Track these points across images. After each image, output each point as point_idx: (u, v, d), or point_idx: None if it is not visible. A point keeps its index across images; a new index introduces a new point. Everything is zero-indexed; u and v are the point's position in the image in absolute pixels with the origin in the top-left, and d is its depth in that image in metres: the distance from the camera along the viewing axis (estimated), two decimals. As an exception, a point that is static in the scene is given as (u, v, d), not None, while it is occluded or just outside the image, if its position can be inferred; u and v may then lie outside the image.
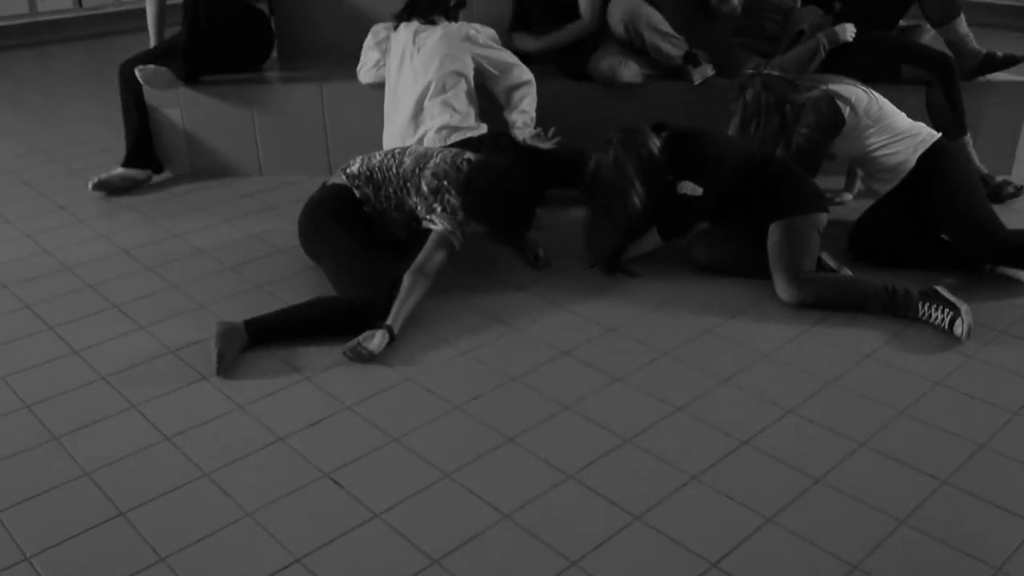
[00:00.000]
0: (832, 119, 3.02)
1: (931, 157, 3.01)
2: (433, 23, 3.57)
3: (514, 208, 2.94)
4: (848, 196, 3.66)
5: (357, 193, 2.98)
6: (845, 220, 3.30)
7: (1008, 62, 3.71)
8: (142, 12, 4.04)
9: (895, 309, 2.79)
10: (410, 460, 2.17)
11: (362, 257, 2.86)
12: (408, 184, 2.95)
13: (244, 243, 3.42)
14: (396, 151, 3.07)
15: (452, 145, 3.29)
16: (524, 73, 3.60)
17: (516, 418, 2.33)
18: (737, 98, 3.13)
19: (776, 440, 2.24)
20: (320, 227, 2.98)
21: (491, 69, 3.57)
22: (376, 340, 2.64)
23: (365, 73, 3.84)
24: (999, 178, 3.72)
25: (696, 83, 3.75)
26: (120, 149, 4.02)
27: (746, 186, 2.97)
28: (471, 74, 3.53)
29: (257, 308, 2.82)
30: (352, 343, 2.63)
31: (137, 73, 3.76)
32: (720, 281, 3.05)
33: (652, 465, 2.15)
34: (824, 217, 2.96)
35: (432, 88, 3.43)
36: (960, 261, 3.06)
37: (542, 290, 3.03)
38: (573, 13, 3.83)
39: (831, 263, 3.02)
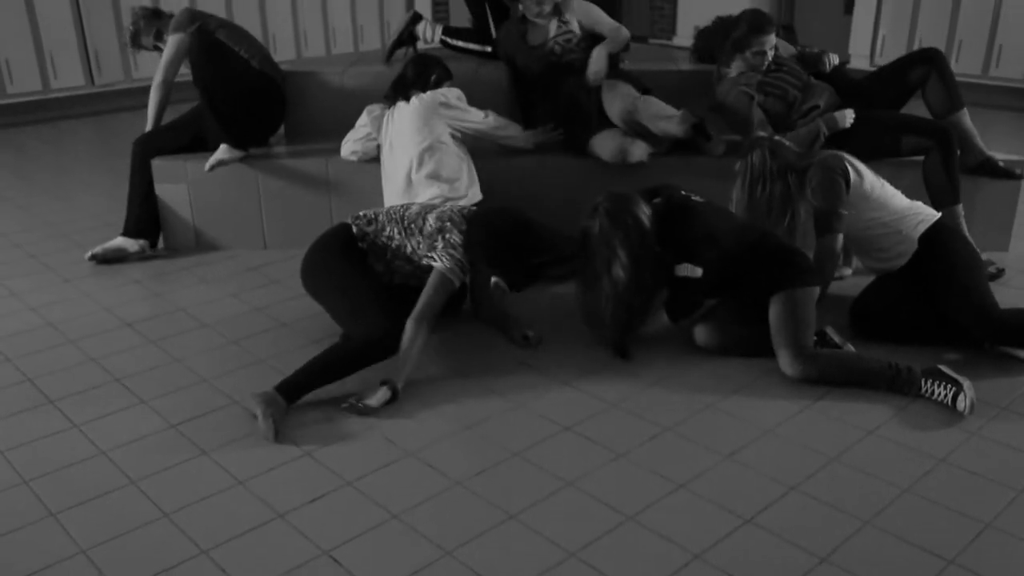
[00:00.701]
0: (839, 169, 3.06)
1: (931, 237, 3.04)
2: (408, 99, 3.65)
3: (516, 249, 2.91)
4: (848, 271, 3.68)
5: (354, 229, 3.02)
6: (847, 295, 3.32)
7: (1006, 174, 3.78)
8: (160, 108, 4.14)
9: (898, 387, 2.78)
10: (410, 538, 2.15)
11: (367, 291, 2.91)
12: (412, 225, 2.98)
13: (247, 317, 3.43)
14: (405, 203, 3.16)
15: None
16: (500, 129, 3.78)
17: (518, 494, 2.31)
18: (743, 160, 3.15)
19: (780, 518, 2.21)
20: (320, 263, 3.05)
21: (469, 133, 3.69)
22: (378, 396, 2.69)
23: (348, 145, 3.91)
24: (984, 257, 3.73)
25: (719, 154, 3.81)
26: (123, 222, 4.06)
27: (743, 261, 2.96)
28: (450, 139, 3.60)
29: (260, 382, 2.82)
30: (352, 398, 2.67)
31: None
32: (720, 357, 3.05)
33: (655, 543, 2.12)
34: (818, 290, 2.97)
35: (414, 164, 3.51)
36: (961, 337, 3.07)
37: (542, 365, 3.03)
38: (573, 103, 3.91)
39: (835, 338, 3.02)
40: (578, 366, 3.01)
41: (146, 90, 4.16)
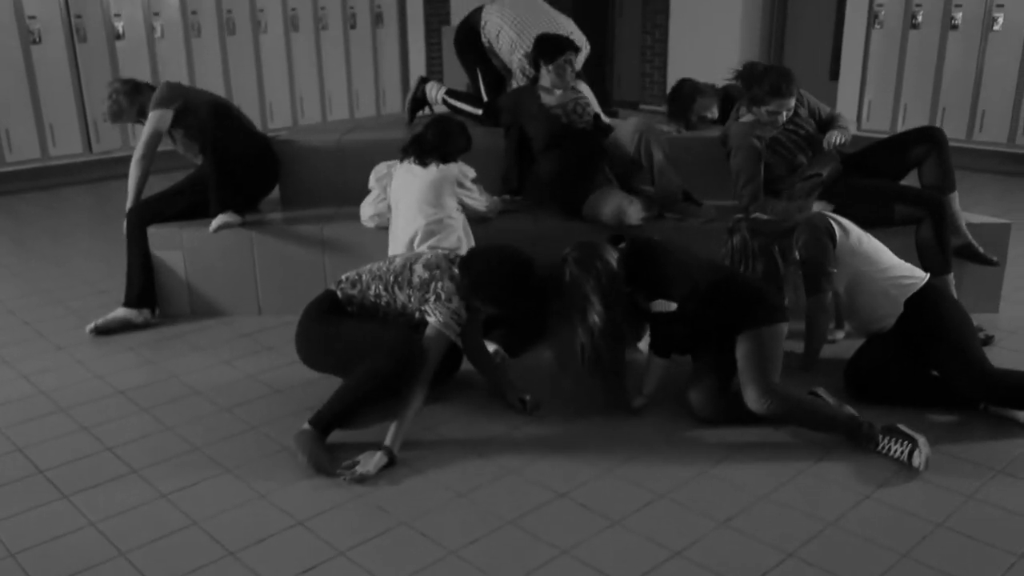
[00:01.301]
0: (825, 229, 3.12)
1: (920, 298, 3.07)
2: (425, 165, 3.68)
3: (516, 280, 2.92)
4: (840, 334, 3.69)
5: (339, 294, 3.03)
6: (841, 358, 3.33)
7: (985, 260, 3.81)
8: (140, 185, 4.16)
9: (857, 439, 2.82)
10: (403, 609, 2.12)
11: (372, 330, 2.93)
12: (399, 278, 2.97)
13: (241, 384, 3.42)
14: (388, 259, 3.15)
15: None
16: (489, 209, 3.88)
17: (512, 564, 2.29)
18: (726, 243, 3.21)
19: (777, 586, 2.19)
20: (313, 332, 3.05)
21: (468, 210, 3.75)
22: (374, 462, 2.70)
23: (365, 209, 3.94)
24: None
25: (710, 218, 3.85)
26: (121, 289, 4.08)
27: (713, 300, 2.98)
28: (457, 215, 3.64)
29: (252, 450, 2.80)
30: (348, 464, 2.69)
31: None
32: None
33: (651, 614, 2.09)
34: (785, 328, 2.98)
35: (420, 235, 3.53)
36: (955, 400, 3.07)
37: (536, 431, 3.02)
38: (575, 144, 3.99)
39: (829, 399, 3.02)
40: (572, 431, 3.00)
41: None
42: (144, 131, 4.07)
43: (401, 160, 3.75)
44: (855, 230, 3.20)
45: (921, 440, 2.72)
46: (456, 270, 2.93)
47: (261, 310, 4.14)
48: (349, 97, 8.54)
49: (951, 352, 2.99)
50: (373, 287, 3.01)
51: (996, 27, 6.82)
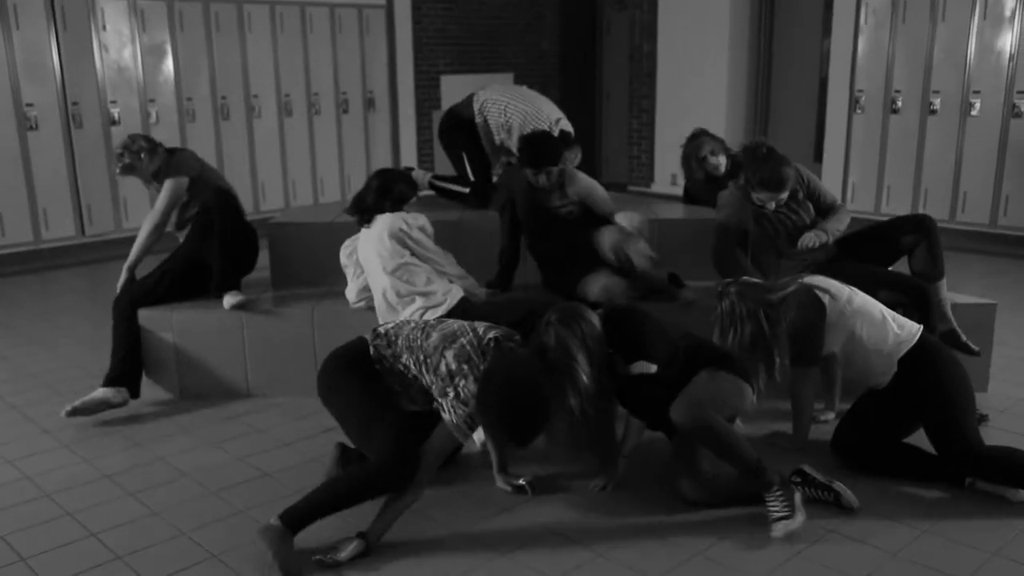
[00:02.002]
0: (814, 307, 3.13)
1: (917, 356, 3.09)
2: (370, 223, 3.72)
3: (526, 421, 2.73)
4: (831, 415, 3.68)
5: (372, 351, 2.93)
6: (828, 439, 3.32)
7: (967, 349, 3.81)
8: (147, 248, 4.20)
9: (756, 482, 2.86)
10: None
11: (382, 413, 2.82)
12: (429, 360, 2.85)
13: (228, 467, 3.39)
14: (428, 324, 3.02)
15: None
16: (459, 279, 3.77)
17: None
18: (716, 308, 3.19)
19: (775, 673, 2.14)
20: (337, 377, 2.95)
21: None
22: (348, 551, 2.65)
23: (349, 292, 3.98)
24: None
25: (689, 301, 3.88)
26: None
27: (695, 360, 3.01)
28: (412, 255, 3.62)
29: (240, 535, 2.75)
30: (323, 555, 2.65)
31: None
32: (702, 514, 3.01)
33: None
34: (749, 393, 3.00)
35: (387, 289, 3.57)
36: (942, 473, 3.06)
37: (528, 510, 2.99)
38: (562, 229, 4.01)
39: (818, 477, 3.00)
40: (564, 511, 2.97)
41: (135, 240, 4.22)
42: (163, 197, 4.14)
43: (358, 226, 3.81)
44: (843, 292, 3.19)
45: (799, 518, 2.78)
46: (481, 383, 2.77)
47: (250, 392, 4.12)
48: (341, 180, 8.66)
49: (944, 421, 3.01)
50: (404, 356, 2.90)
51: (973, 112, 7.01)
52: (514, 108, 4.55)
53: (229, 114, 7.88)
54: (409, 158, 9.04)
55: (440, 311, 3.50)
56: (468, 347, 2.84)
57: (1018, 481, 2.98)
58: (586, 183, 4.08)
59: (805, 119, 8.73)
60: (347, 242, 3.94)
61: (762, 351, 3.08)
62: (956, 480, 3.06)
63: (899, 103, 7.43)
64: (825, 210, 4.00)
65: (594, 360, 2.87)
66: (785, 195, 3.83)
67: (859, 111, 7.69)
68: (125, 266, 4.20)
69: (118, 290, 4.16)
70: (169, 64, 7.47)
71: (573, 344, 2.84)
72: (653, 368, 2.97)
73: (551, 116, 4.55)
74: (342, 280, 4.07)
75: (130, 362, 4.03)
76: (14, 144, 6.77)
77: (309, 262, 4.48)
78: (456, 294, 3.60)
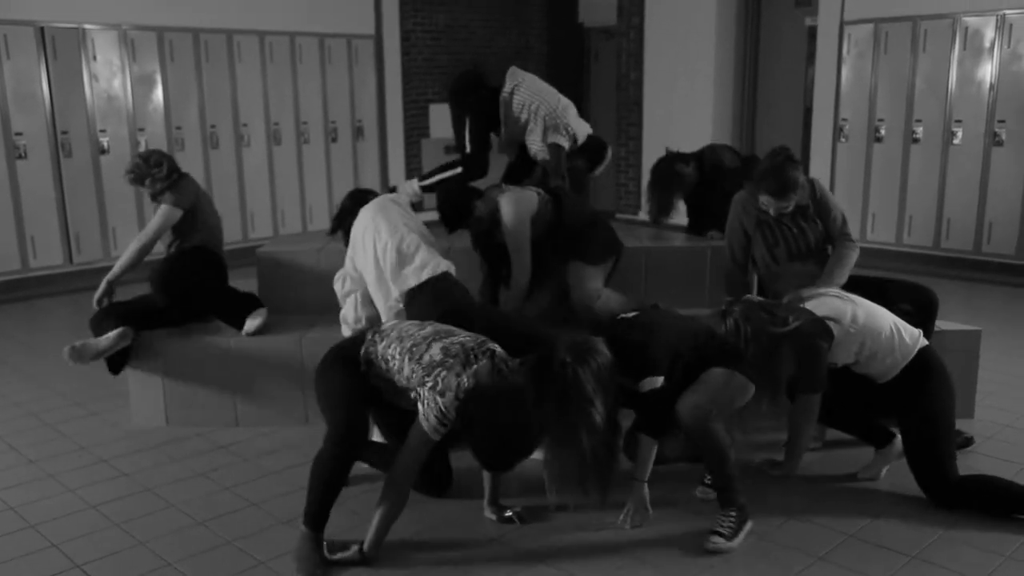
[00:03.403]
0: (820, 334, 3.09)
1: (915, 365, 3.13)
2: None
3: (500, 446, 2.69)
4: (818, 444, 3.68)
5: (362, 349, 2.94)
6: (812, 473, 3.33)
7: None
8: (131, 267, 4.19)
9: (721, 497, 2.98)
10: None
11: (344, 391, 2.86)
12: (416, 348, 2.83)
13: (216, 497, 3.37)
14: (429, 323, 3.03)
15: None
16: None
17: None
18: (719, 325, 3.14)
19: None
20: (322, 371, 3.00)
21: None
22: (345, 553, 2.77)
23: (345, 314, 3.86)
24: None
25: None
26: (97, 402, 4.03)
27: (702, 358, 3.01)
28: (404, 224, 3.61)
29: (227, 565, 2.73)
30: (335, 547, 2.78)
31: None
32: (702, 528, 3.01)
33: None
34: (751, 391, 3.04)
35: (390, 250, 3.52)
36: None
37: (517, 540, 2.98)
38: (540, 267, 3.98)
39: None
40: (555, 542, 2.97)
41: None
42: (155, 221, 4.18)
43: (344, 243, 3.84)
44: (847, 313, 3.14)
45: (735, 544, 2.88)
46: (467, 377, 2.72)
47: (239, 422, 4.10)
48: (329, 208, 8.67)
49: (922, 440, 3.10)
50: (393, 347, 2.87)
51: (956, 141, 7.10)
52: (542, 114, 4.57)
53: (218, 143, 7.90)
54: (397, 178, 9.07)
55: (441, 267, 3.49)
56: (458, 345, 2.81)
57: (995, 509, 3.04)
58: (506, 226, 3.86)
59: (792, 147, 8.80)
60: (339, 272, 3.94)
61: (765, 375, 3.05)
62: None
63: (882, 132, 7.52)
64: (833, 235, 3.84)
65: (608, 397, 2.82)
66: (788, 205, 3.72)
67: (843, 140, 7.78)
68: (106, 279, 4.17)
69: (95, 302, 4.14)
70: (159, 93, 7.51)
71: (588, 385, 2.76)
72: (660, 381, 2.94)
73: (578, 131, 4.65)
74: (331, 308, 4.06)
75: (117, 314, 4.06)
76: (3, 173, 6.77)
77: (298, 290, 4.48)
78: (448, 264, 3.57)
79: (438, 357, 2.76)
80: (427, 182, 4.76)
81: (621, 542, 2.96)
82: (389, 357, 2.86)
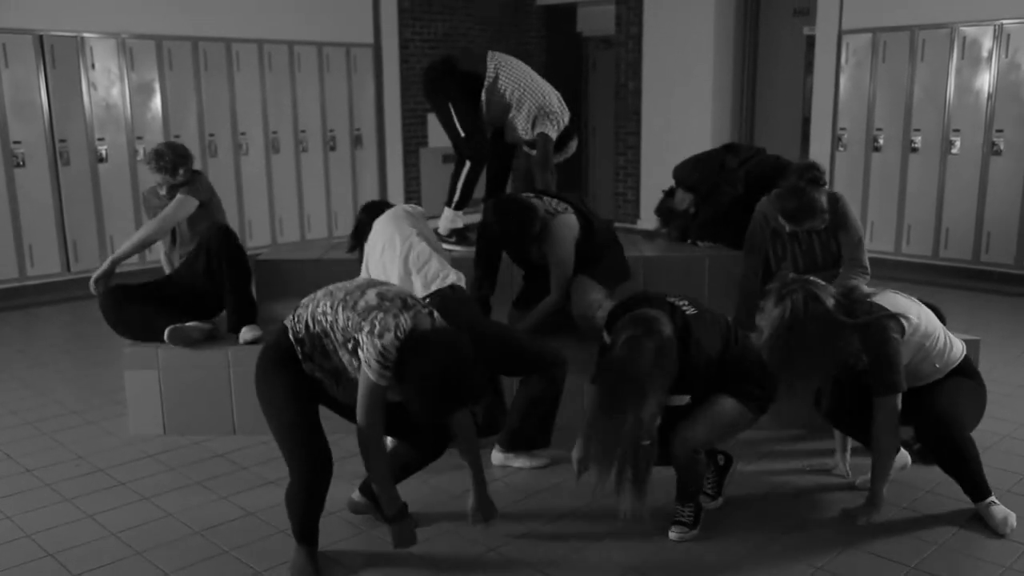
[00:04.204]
0: (896, 328, 2.91)
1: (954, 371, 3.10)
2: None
3: (439, 399, 2.57)
4: (832, 462, 3.58)
5: (291, 335, 2.76)
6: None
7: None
8: (129, 275, 4.25)
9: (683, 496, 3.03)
10: None
11: (299, 427, 2.72)
12: (349, 297, 2.69)
13: (213, 506, 3.35)
14: (358, 278, 2.99)
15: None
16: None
17: None
18: (775, 304, 2.88)
19: None
20: (261, 380, 2.82)
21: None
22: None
23: None
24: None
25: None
26: (93, 409, 4.01)
27: (721, 377, 2.96)
28: (418, 234, 3.63)
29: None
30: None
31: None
32: (693, 544, 3.00)
33: None
34: (752, 420, 3.03)
35: (411, 255, 3.55)
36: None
37: (511, 552, 2.97)
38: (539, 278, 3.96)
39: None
40: (544, 553, 2.95)
41: (121, 275, 4.21)
42: (172, 207, 4.20)
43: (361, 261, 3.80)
44: (912, 311, 3.01)
45: (695, 532, 3.00)
46: (406, 317, 2.59)
47: (236, 430, 4.09)
48: (328, 217, 8.68)
49: (946, 397, 3.02)
50: (322, 305, 2.72)
51: (954, 150, 7.11)
52: (528, 98, 4.54)
53: (217, 151, 7.90)
54: (396, 195, 9.07)
55: (451, 278, 3.50)
56: (393, 292, 2.71)
57: (963, 483, 3.05)
58: (556, 254, 3.84)
59: (789, 157, 8.78)
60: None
61: (818, 371, 2.90)
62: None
63: (881, 141, 7.53)
64: (844, 256, 3.76)
65: (665, 382, 2.74)
66: (802, 227, 3.72)
67: (842, 149, 7.79)
68: (111, 258, 4.22)
69: (92, 281, 4.16)
70: (157, 102, 7.51)
71: (645, 363, 2.68)
72: (687, 400, 2.91)
73: (563, 118, 4.62)
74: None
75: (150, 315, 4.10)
76: (1, 181, 6.76)
77: (296, 299, 4.44)
78: (457, 275, 3.56)
79: (374, 301, 2.64)
80: (456, 199, 4.60)
81: (619, 554, 2.94)
82: (320, 315, 2.71)
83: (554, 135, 4.58)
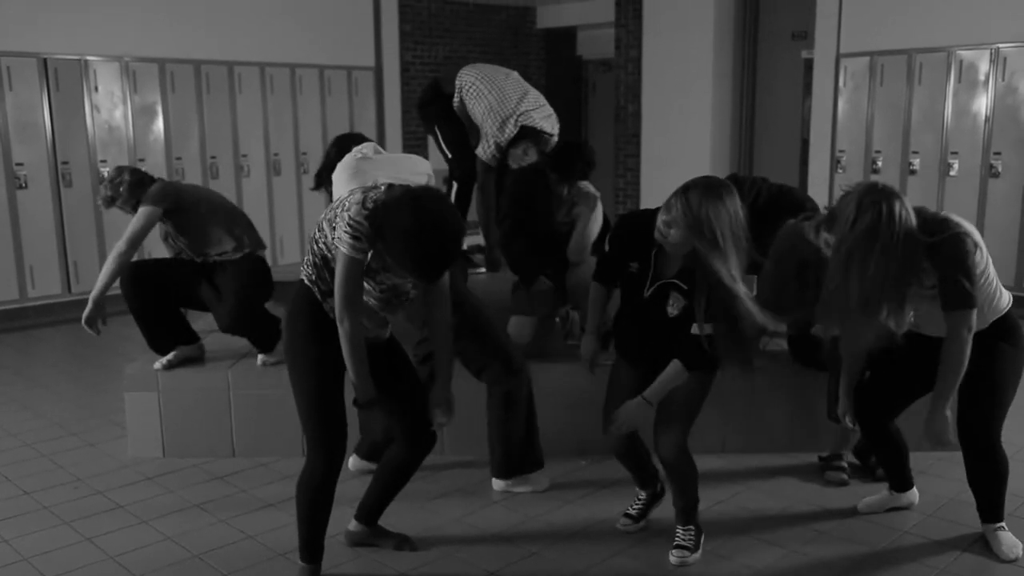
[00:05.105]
0: (972, 241, 2.80)
1: (996, 329, 2.92)
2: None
3: (416, 249, 2.50)
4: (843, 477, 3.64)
5: (316, 292, 2.73)
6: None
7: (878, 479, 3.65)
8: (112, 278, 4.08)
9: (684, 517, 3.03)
10: None
11: (323, 410, 2.75)
12: (332, 211, 2.68)
13: (212, 529, 3.34)
14: None
15: None
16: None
17: None
18: (859, 210, 2.70)
19: None
20: (288, 351, 2.82)
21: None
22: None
23: None
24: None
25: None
26: (92, 431, 4.01)
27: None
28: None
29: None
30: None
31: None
32: (693, 568, 2.99)
33: None
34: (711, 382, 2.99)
35: None
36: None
37: (507, 571, 2.95)
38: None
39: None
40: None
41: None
42: (132, 227, 3.95)
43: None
44: (980, 239, 2.88)
45: (697, 555, 2.98)
46: (373, 193, 2.61)
47: (235, 452, 4.08)
48: (329, 238, 8.69)
49: (983, 405, 2.96)
50: (316, 235, 2.71)
51: (952, 172, 7.14)
52: (484, 99, 4.43)
53: (218, 173, 7.92)
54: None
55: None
56: (379, 190, 2.65)
57: (983, 501, 3.05)
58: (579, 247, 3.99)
59: (788, 179, 8.83)
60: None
61: (894, 286, 2.69)
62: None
63: (880, 163, 7.56)
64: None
65: (741, 245, 2.67)
66: None
67: (841, 171, 7.81)
68: (91, 297, 3.91)
69: (84, 322, 3.90)
70: (160, 124, 7.54)
71: (720, 217, 2.65)
72: (708, 330, 2.80)
73: (516, 109, 4.38)
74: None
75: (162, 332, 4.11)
76: (3, 203, 6.77)
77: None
78: None
79: (358, 196, 2.63)
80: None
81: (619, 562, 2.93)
82: (320, 242, 2.69)
83: (485, 155, 4.48)
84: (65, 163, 7.05)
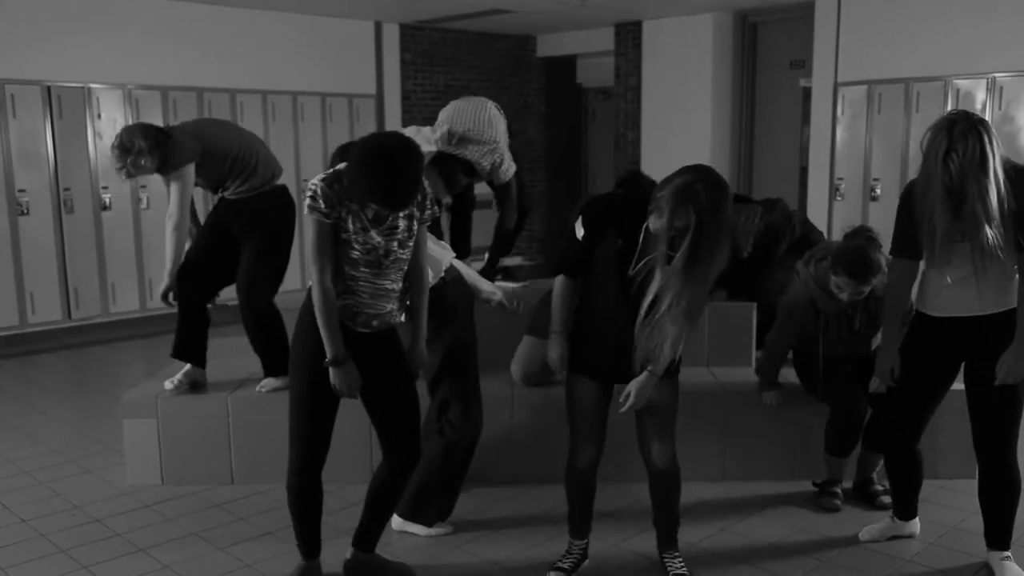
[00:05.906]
0: None
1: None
2: None
3: (374, 176, 2.61)
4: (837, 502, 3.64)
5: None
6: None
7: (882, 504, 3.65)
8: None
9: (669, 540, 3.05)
10: None
11: (304, 423, 2.86)
12: None
13: (210, 557, 3.32)
14: None
15: None
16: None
17: None
18: (945, 127, 2.75)
19: None
20: (295, 342, 2.91)
21: None
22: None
23: None
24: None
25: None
26: (90, 457, 4.00)
27: None
28: None
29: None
30: None
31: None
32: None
33: None
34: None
35: None
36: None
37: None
38: None
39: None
40: None
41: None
42: (178, 193, 3.86)
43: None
44: None
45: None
46: (331, 171, 2.80)
47: (234, 479, 4.06)
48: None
49: (1005, 418, 2.94)
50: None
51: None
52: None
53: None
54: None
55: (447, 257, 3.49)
56: None
57: (993, 524, 3.03)
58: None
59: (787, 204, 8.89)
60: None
61: (977, 205, 2.69)
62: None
63: (878, 191, 7.59)
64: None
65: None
66: (866, 290, 3.46)
67: (839, 198, 7.84)
68: (166, 271, 3.95)
69: (160, 296, 4.01)
70: (162, 150, 7.57)
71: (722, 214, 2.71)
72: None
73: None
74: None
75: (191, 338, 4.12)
76: (4, 229, 6.80)
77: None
78: (451, 254, 3.56)
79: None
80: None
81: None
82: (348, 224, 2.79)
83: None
84: (67, 189, 7.08)
